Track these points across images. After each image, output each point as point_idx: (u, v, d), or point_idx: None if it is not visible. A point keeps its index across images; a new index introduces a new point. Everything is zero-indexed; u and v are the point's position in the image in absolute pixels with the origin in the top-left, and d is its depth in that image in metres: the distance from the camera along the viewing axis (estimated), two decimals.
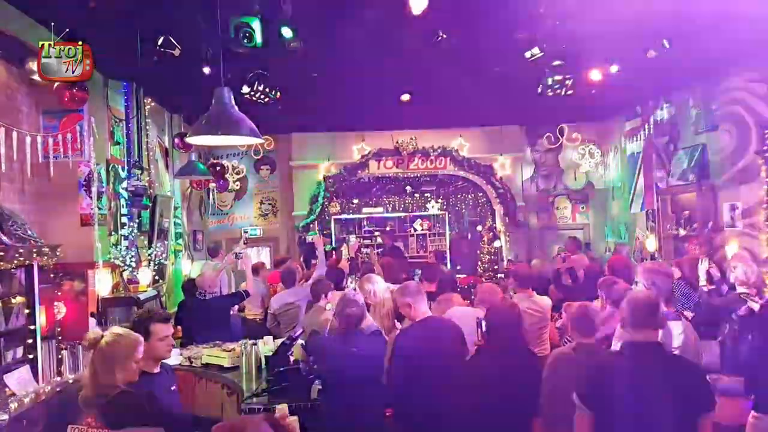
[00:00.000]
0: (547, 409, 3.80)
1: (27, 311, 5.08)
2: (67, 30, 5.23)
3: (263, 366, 5.38)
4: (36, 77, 6.00)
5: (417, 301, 4.47)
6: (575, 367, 3.65)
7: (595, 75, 7.28)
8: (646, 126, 10.14)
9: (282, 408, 3.78)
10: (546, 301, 5.72)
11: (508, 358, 3.86)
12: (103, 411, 3.10)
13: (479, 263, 13.35)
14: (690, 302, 6.12)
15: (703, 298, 5.69)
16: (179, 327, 6.73)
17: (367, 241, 14.66)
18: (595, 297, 5.40)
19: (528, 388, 3.84)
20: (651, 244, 9.78)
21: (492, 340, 3.98)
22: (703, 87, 8.53)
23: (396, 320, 5.38)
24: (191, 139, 4.66)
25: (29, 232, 5.36)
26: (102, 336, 3.26)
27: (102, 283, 6.58)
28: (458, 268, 13.87)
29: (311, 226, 11.55)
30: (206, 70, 6.34)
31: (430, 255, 11.87)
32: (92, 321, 6.41)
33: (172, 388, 3.69)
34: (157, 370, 3.58)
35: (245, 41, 5.36)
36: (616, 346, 3.89)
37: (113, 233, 7.07)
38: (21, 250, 4.89)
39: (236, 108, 4.43)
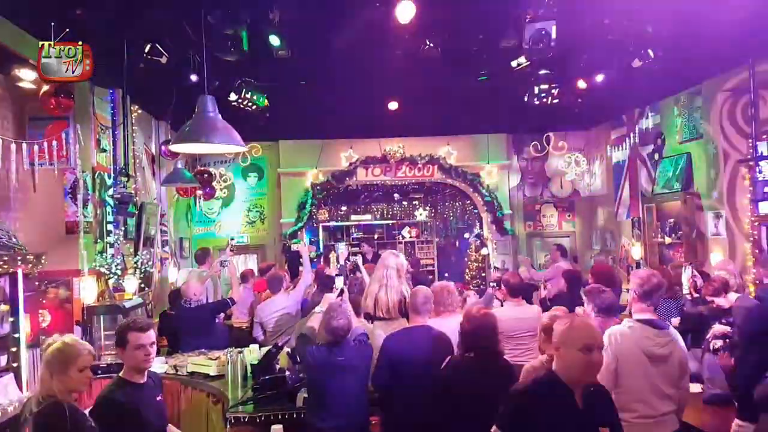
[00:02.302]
0: None
1: (11, 319, 5.04)
2: (56, 37, 5.21)
3: (249, 374, 5.37)
4: (22, 84, 5.99)
5: (420, 311, 4.53)
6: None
7: (581, 84, 7.34)
8: (632, 135, 10.25)
9: (277, 429, 3.78)
10: (535, 310, 5.74)
11: (481, 366, 3.87)
12: (32, 422, 3.08)
13: (467, 270, 13.40)
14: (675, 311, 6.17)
15: (687, 306, 5.73)
16: (163, 337, 6.71)
17: (356, 249, 14.69)
18: (580, 305, 5.40)
19: (502, 394, 3.85)
20: (636, 252, 9.85)
21: (466, 348, 3.99)
22: (687, 96, 8.63)
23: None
24: (174, 147, 4.65)
25: (14, 240, 5.32)
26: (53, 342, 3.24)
27: (87, 291, 6.54)
28: (446, 275, 13.93)
29: (298, 233, 11.53)
30: (193, 77, 6.34)
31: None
32: (77, 329, 6.37)
33: (158, 398, 3.66)
34: (143, 380, 3.55)
35: (233, 49, 5.38)
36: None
37: (99, 241, 7.03)
38: (5, 258, 4.85)
39: (220, 116, 4.42)
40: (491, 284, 9.80)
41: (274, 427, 3.80)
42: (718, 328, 4.87)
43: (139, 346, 3.45)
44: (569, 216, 12.59)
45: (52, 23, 5.07)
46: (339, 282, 5.29)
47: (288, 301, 6.57)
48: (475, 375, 3.83)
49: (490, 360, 3.92)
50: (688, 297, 5.91)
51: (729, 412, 4.03)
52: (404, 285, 5.21)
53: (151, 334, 3.53)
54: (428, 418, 4.04)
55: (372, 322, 5.13)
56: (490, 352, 3.96)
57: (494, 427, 2.92)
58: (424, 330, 4.48)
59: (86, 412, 3.32)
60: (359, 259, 7.18)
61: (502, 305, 6.01)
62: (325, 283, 6.42)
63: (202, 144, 4.39)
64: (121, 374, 3.51)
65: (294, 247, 10.59)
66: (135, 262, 7.74)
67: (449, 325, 4.54)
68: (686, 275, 5.95)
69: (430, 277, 13.48)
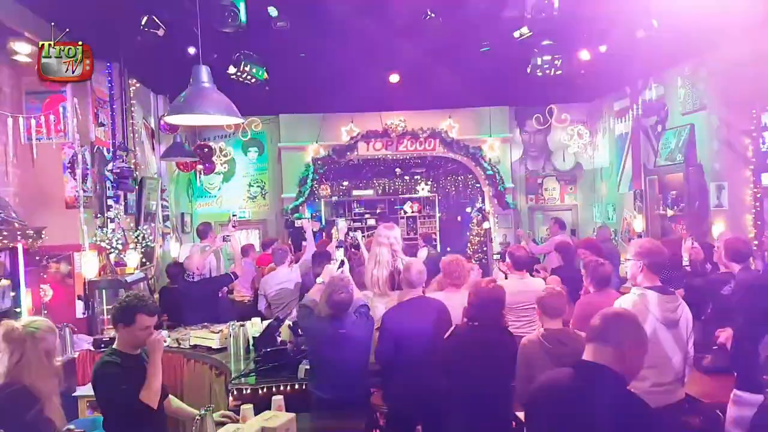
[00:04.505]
0: (521, 393, 3.85)
1: (12, 294, 5.06)
2: (54, 20, 5.12)
3: (251, 347, 5.40)
4: (18, 58, 5.93)
5: (414, 284, 4.54)
6: (540, 353, 3.74)
7: (584, 55, 7.25)
8: (635, 106, 10.15)
9: (278, 399, 3.80)
10: (538, 283, 5.73)
11: (483, 337, 3.89)
12: None
13: (469, 245, 13.40)
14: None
15: (687, 277, 5.72)
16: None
17: (358, 224, 14.66)
18: (575, 276, 5.42)
19: (504, 364, 3.90)
20: (638, 224, 9.83)
21: (471, 319, 4.01)
22: (691, 67, 8.52)
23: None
24: (169, 118, 4.60)
25: (13, 215, 5.31)
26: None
27: (89, 266, 6.55)
28: (448, 249, 13.93)
29: (300, 208, 11.50)
30: (191, 50, 6.27)
31: (419, 238, 11.88)
32: (79, 304, 6.40)
33: None
34: (137, 351, 3.55)
35: (230, 20, 5.30)
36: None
37: (99, 216, 7.02)
38: (5, 233, 4.85)
39: (215, 86, 4.34)
40: (495, 257, 9.82)
41: (275, 398, 3.81)
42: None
43: (145, 327, 3.46)
44: (571, 189, 12.55)
45: (53, 23, 5.00)
46: (339, 254, 5.26)
47: (290, 275, 6.59)
48: (477, 345, 3.86)
49: (492, 332, 3.95)
50: (688, 268, 5.90)
51: (728, 382, 4.04)
52: (399, 260, 5.20)
53: (156, 318, 3.55)
54: (429, 387, 4.08)
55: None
56: (493, 325, 3.98)
57: None
58: (421, 301, 4.51)
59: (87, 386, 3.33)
60: (359, 236, 7.15)
61: (506, 278, 6.01)
62: (322, 256, 6.39)
63: (198, 115, 4.32)
64: (114, 346, 3.51)
65: (298, 223, 10.57)
66: (136, 237, 7.75)
67: (456, 300, 4.57)
68: (686, 246, 5.94)
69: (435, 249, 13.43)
